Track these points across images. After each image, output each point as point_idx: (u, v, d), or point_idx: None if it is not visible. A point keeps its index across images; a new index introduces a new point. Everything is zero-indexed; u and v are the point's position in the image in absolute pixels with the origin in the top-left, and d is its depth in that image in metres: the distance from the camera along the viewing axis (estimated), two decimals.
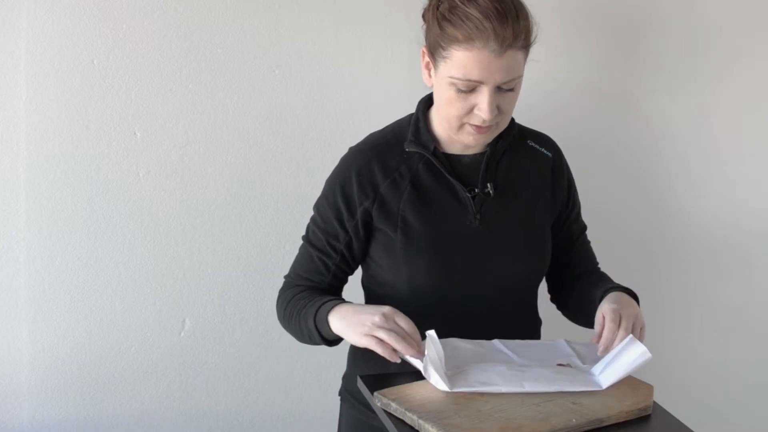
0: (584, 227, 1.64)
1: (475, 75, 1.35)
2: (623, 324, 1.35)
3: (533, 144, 1.56)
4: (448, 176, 1.48)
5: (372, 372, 1.43)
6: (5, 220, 1.75)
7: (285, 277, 1.59)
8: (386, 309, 1.34)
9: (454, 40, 1.35)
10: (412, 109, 1.56)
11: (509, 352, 1.42)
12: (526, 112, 1.65)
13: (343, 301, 1.45)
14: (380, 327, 1.32)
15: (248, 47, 1.80)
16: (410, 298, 1.49)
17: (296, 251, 1.84)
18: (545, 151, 1.56)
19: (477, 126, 1.41)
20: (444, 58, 1.38)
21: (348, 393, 1.59)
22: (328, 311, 1.40)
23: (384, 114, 1.80)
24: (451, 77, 1.37)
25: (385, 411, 1.28)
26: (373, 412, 1.35)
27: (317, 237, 1.53)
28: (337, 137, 1.85)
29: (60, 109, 1.74)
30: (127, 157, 1.78)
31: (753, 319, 2.13)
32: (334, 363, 1.83)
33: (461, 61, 1.35)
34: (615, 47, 1.97)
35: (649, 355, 1.30)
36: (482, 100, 1.37)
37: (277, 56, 1.82)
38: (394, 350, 1.31)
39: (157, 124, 1.78)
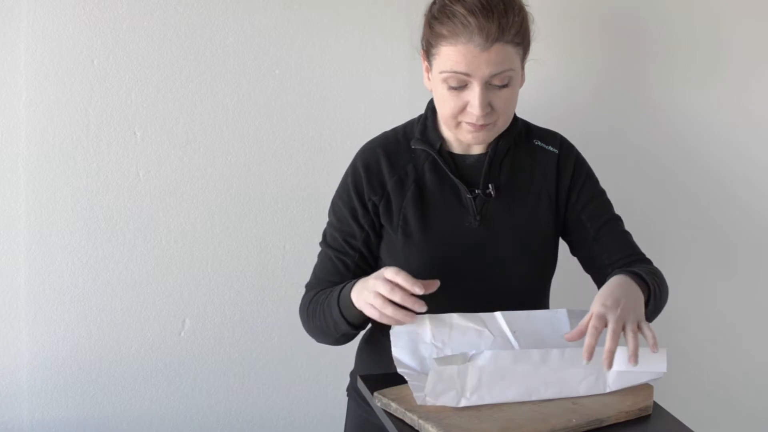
0: (607, 220, 1.54)
1: (461, 67, 1.36)
2: (611, 327, 1.24)
3: (539, 143, 1.54)
4: (452, 176, 1.48)
5: (378, 370, 1.42)
6: (5, 220, 1.75)
7: (306, 285, 1.56)
8: (387, 272, 1.30)
9: (440, 37, 1.38)
10: (412, 109, 1.56)
11: (510, 334, 1.37)
12: (539, 112, 1.65)
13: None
14: (370, 290, 1.30)
15: (248, 47, 1.80)
16: None
17: (296, 251, 1.85)
18: (551, 148, 1.54)
19: (473, 124, 1.41)
20: (434, 55, 1.40)
21: (354, 390, 1.59)
22: (350, 289, 1.37)
23: (384, 114, 1.81)
24: (441, 72, 1.39)
25: (385, 411, 1.28)
26: None
27: (334, 238, 1.52)
28: (337, 137, 1.85)
29: (60, 109, 1.74)
30: (127, 157, 1.78)
31: (756, 317, 2.13)
32: (334, 364, 1.83)
33: (447, 55, 1.37)
34: (621, 47, 1.96)
35: (662, 371, 1.27)
36: (473, 97, 1.38)
37: (277, 56, 1.82)
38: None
39: (157, 124, 1.78)
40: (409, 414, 1.23)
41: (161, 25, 1.75)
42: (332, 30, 1.83)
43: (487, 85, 1.38)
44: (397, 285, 1.29)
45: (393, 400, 1.27)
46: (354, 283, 1.38)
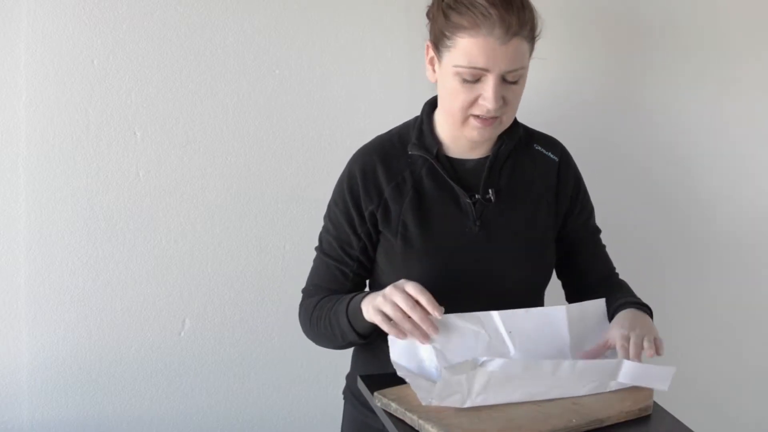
0: (595, 231, 1.60)
1: (480, 62, 1.33)
2: (632, 341, 1.31)
3: (539, 148, 1.54)
4: (450, 181, 1.47)
5: (372, 372, 1.42)
6: (5, 220, 1.75)
7: (303, 290, 1.56)
8: (409, 286, 1.30)
9: (459, 28, 1.34)
10: (412, 109, 1.55)
11: (505, 335, 1.37)
12: (534, 115, 1.65)
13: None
14: (387, 300, 1.29)
15: (248, 47, 1.80)
16: None
17: (296, 251, 1.84)
18: (551, 155, 1.53)
19: (482, 119, 1.39)
20: (449, 47, 1.36)
21: (350, 393, 1.59)
22: (360, 300, 1.37)
23: (384, 114, 1.81)
24: (456, 66, 1.36)
25: (385, 411, 1.28)
26: (374, 412, 1.35)
27: (331, 246, 1.51)
28: (337, 137, 1.85)
29: (60, 109, 1.73)
30: (127, 157, 1.78)
31: (757, 318, 2.12)
32: (334, 364, 1.83)
33: (466, 48, 1.34)
34: (621, 48, 1.96)
35: (663, 389, 1.30)
36: (487, 89, 1.35)
37: (277, 56, 1.82)
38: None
39: (157, 124, 1.78)
40: (409, 414, 1.23)
41: (161, 25, 1.75)
42: (332, 30, 1.83)
43: (501, 80, 1.36)
44: (417, 303, 1.29)
45: (393, 400, 1.27)
46: (364, 295, 1.38)
